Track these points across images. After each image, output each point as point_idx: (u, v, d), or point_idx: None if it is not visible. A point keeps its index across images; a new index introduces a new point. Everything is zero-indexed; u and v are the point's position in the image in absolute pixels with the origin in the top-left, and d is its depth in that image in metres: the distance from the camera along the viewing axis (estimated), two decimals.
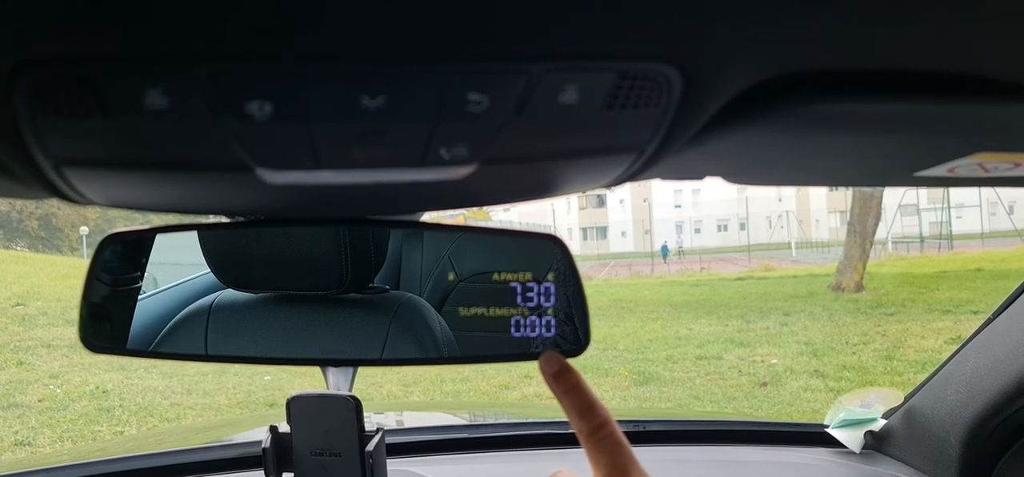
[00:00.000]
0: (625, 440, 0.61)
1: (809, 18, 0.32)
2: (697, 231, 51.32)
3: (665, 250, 34.52)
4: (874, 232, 12.48)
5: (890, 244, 25.17)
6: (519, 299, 0.67)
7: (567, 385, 0.61)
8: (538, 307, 0.66)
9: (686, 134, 0.39)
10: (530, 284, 0.66)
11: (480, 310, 0.69)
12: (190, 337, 0.85)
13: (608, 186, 0.47)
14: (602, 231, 54.11)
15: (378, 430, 0.89)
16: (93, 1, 0.26)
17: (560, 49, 0.31)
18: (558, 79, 0.32)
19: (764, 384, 6.30)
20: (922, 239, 25.73)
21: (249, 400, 6.10)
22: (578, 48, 0.31)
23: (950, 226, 25.61)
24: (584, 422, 0.60)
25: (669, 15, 0.30)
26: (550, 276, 0.66)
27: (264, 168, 0.35)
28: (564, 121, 0.35)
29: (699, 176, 0.54)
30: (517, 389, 6.33)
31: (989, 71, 0.38)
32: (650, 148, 0.39)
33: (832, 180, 0.59)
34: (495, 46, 0.30)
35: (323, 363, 0.88)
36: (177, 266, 0.84)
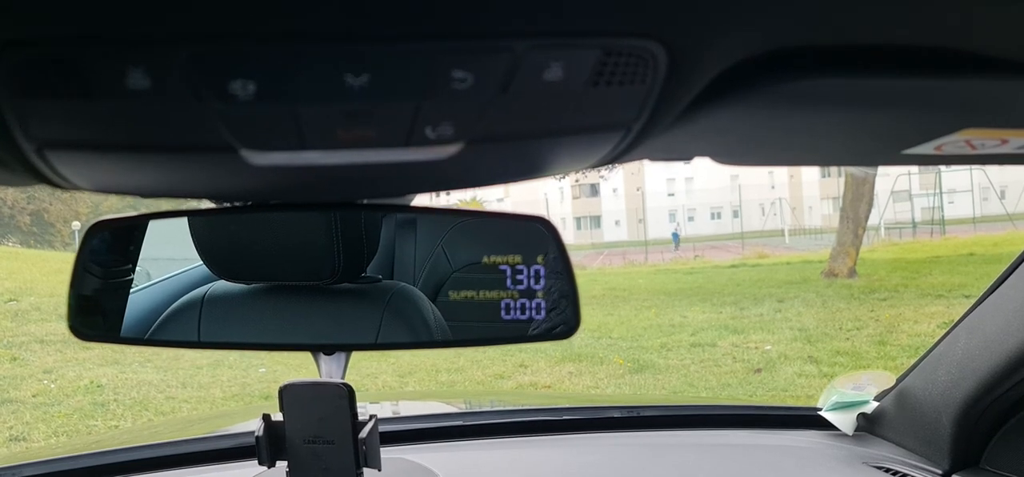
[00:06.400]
0: None
1: None
2: (690, 219, 51.33)
3: (676, 237, 34.72)
4: (866, 218, 12.50)
5: (883, 230, 25.24)
6: (509, 282, 0.67)
7: None
8: (528, 290, 0.66)
9: (673, 111, 0.39)
10: (520, 267, 0.66)
11: (472, 294, 0.69)
12: (183, 327, 0.85)
13: (596, 165, 0.47)
14: (596, 220, 54.12)
15: (371, 417, 0.89)
16: None
17: (544, 25, 0.31)
18: (542, 56, 0.32)
19: (758, 370, 6.32)
20: (914, 224, 25.80)
21: (244, 393, 6.10)
22: (562, 24, 0.31)
23: (942, 211, 25.68)
24: None
25: None
26: (540, 259, 0.66)
27: (248, 149, 0.35)
28: (550, 98, 0.35)
29: (688, 157, 0.54)
30: (512, 378, 6.34)
31: (978, 46, 0.38)
32: (636, 126, 0.39)
33: (820, 159, 0.59)
34: (479, 22, 0.30)
35: (316, 349, 0.88)
36: (169, 259, 0.84)
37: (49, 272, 11.80)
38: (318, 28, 0.29)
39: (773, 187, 47.64)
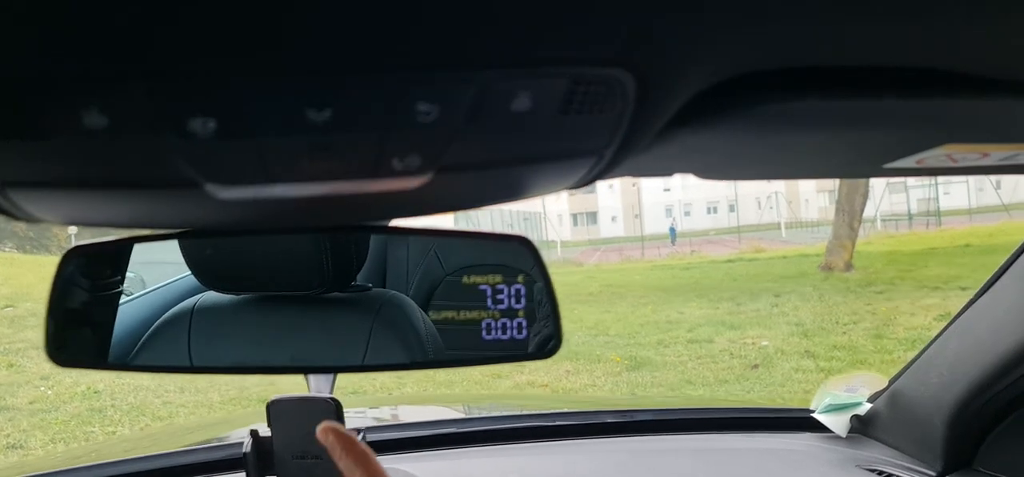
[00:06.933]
0: None
1: (765, 21, 0.31)
2: (687, 214, 51.37)
3: (673, 232, 35.05)
4: (862, 211, 12.51)
5: (879, 222, 25.31)
6: (490, 302, 0.66)
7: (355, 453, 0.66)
8: (509, 309, 0.66)
9: (646, 136, 0.38)
10: (500, 286, 0.66)
11: (453, 314, 0.69)
12: (173, 343, 0.84)
13: (573, 188, 0.47)
14: (592, 216, 54.15)
15: (359, 431, 0.89)
16: (19, 21, 0.25)
17: (510, 56, 0.30)
18: (510, 86, 0.31)
19: (755, 366, 6.32)
20: (910, 216, 25.86)
21: (242, 396, 6.08)
22: (529, 54, 0.30)
23: (938, 203, 25.74)
24: None
25: (619, 21, 0.29)
26: (520, 278, 0.66)
27: (213, 183, 0.34)
28: (518, 128, 0.34)
29: (668, 173, 0.54)
30: (509, 377, 6.33)
31: (959, 65, 0.38)
32: (609, 151, 0.38)
33: (802, 173, 0.59)
34: (443, 54, 0.29)
35: (304, 371, 0.87)
36: (154, 275, 0.83)
37: (46, 278, 11.75)
38: (277, 64, 0.29)
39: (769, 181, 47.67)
